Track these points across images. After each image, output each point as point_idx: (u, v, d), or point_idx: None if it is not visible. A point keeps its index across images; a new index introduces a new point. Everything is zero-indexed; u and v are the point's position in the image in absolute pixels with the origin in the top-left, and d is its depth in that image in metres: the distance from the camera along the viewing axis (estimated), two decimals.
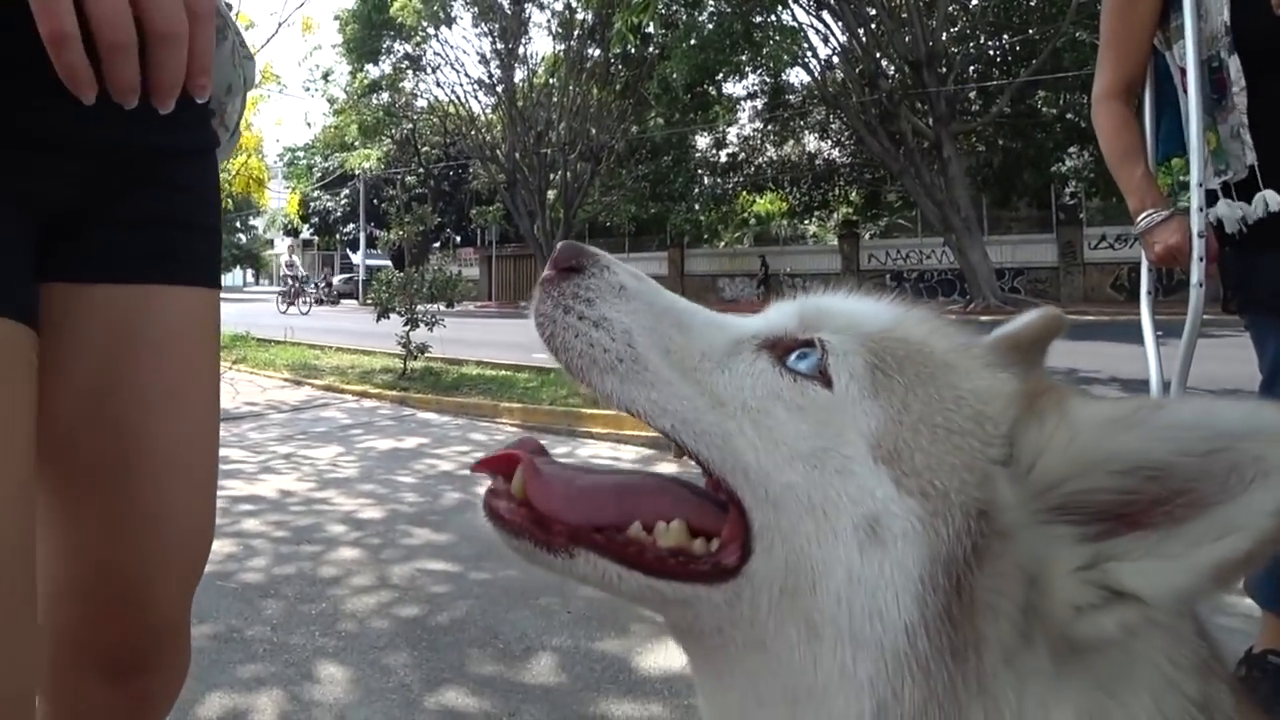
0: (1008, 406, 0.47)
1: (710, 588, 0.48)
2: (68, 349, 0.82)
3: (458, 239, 35.60)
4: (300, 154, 39.63)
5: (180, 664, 0.93)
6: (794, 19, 20.76)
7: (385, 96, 28.64)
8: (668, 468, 0.64)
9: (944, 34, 20.02)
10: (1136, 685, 0.44)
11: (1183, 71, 1.69)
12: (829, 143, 26.78)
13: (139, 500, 0.84)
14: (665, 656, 2.17)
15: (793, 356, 0.51)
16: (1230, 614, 2.10)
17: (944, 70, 19.25)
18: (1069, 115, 21.25)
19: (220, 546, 3.11)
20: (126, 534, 0.84)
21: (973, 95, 22.13)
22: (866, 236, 25.40)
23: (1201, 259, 1.67)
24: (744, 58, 22.11)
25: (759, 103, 25.99)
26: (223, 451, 4.79)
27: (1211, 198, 1.67)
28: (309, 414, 6.52)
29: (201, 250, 0.92)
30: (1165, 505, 0.42)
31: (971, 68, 22.03)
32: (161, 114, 0.71)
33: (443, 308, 8.18)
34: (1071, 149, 22.04)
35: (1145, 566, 0.42)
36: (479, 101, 29.09)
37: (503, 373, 8.09)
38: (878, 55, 20.04)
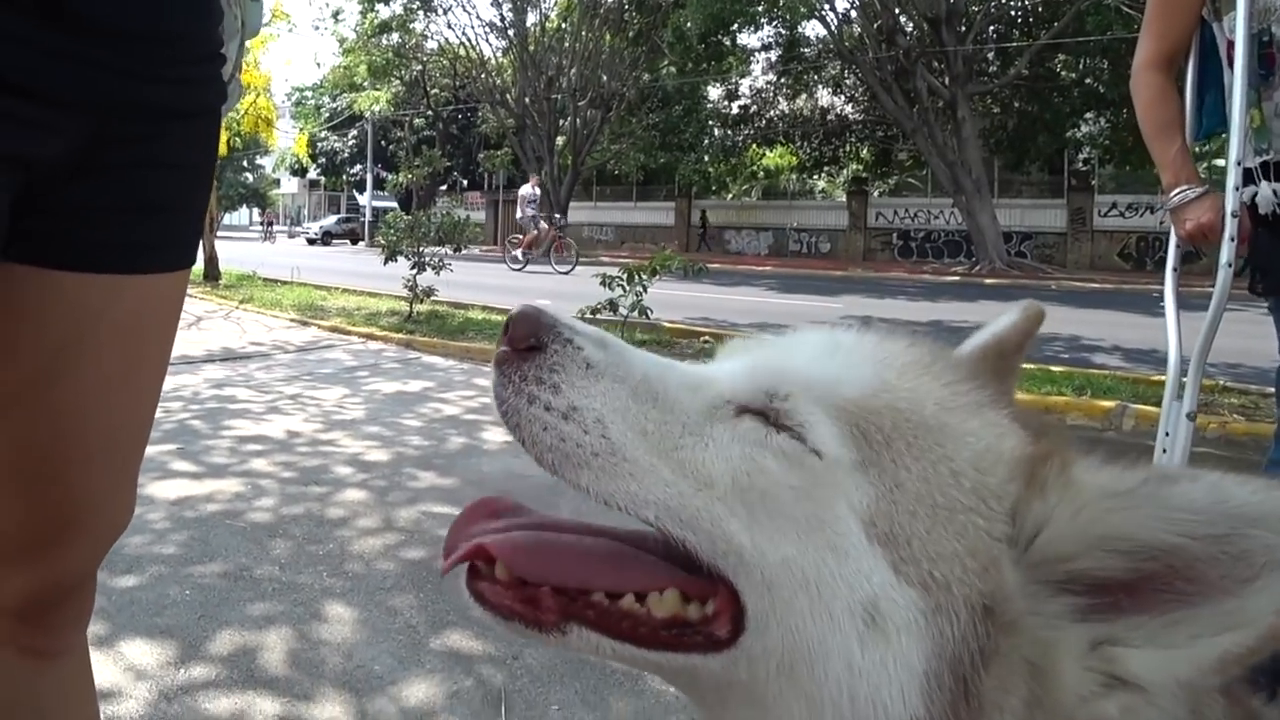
0: (1010, 478, 0.45)
1: (705, 657, 0.47)
2: (23, 332, 0.79)
3: (465, 183, 35.24)
4: (309, 94, 39.04)
5: (85, 610, 0.95)
6: None
7: (395, 37, 28.10)
8: None
9: None
10: None
11: (1230, 44, 1.65)
12: (842, 98, 26.36)
13: (64, 483, 0.84)
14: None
15: (773, 424, 0.48)
16: None
17: (963, 29, 18.83)
18: (1088, 80, 20.86)
19: (229, 486, 3.14)
20: (47, 509, 0.84)
21: (991, 56, 21.69)
22: (875, 194, 25.15)
23: (1233, 239, 1.65)
24: (760, 8, 21.64)
25: (773, 55, 25.51)
26: (229, 391, 4.82)
27: (1249, 177, 1.64)
28: (315, 355, 6.53)
29: (186, 233, 0.88)
30: (1171, 584, 0.41)
31: (991, 28, 21.55)
32: (168, 68, 0.66)
33: (449, 251, 8.14)
34: (1088, 114, 21.69)
35: (1147, 655, 0.41)
36: (490, 44, 28.59)
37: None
38: (896, 11, 19.57)
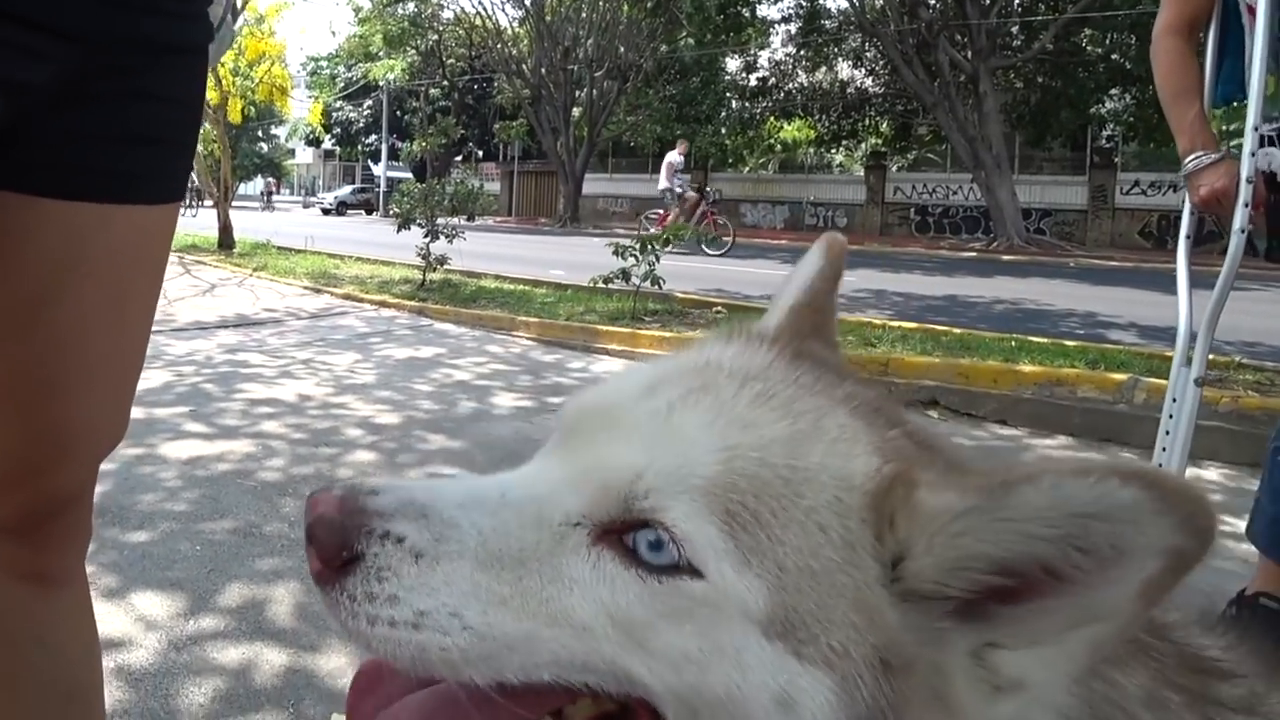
0: (864, 517, 0.44)
1: None
2: (14, 259, 0.80)
3: (480, 154, 35.12)
4: (324, 63, 38.88)
5: (80, 537, 0.96)
6: None
7: (411, 6, 27.91)
8: None
9: None
10: None
11: (1251, 10, 1.62)
12: (862, 71, 25.96)
13: (59, 407, 0.85)
14: None
15: (640, 545, 0.44)
16: (1227, 558, 2.12)
17: (987, 2, 18.48)
18: (1114, 56, 20.45)
19: (239, 446, 3.18)
20: (41, 434, 0.86)
21: (1015, 29, 21.28)
22: (894, 169, 24.87)
23: (1247, 205, 1.62)
24: None
25: (793, 27, 25.14)
26: (242, 355, 4.87)
27: (1264, 145, 1.62)
28: (328, 321, 6.56)
29: (175, 165, 0.89)
30: (1036, 585, 0.42)
31: (1016, 1, 21.14)
32: (158, 1, 0.66)
33: (463, 221, 8.13)
34: (1113, 90, 21.28)
35: (1025, 656, 0.42)
36: (506, 14, 28.37)
37: (521, 287, 8.09)
38: None
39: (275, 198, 37.66)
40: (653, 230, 13.46)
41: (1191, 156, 1.72)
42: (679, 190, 14.50)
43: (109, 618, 1.87)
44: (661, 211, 14.54)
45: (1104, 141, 21.87)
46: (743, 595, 0.43)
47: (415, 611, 0.43)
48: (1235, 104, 1.84)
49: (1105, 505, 0.38)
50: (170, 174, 0.89)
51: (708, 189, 16.01)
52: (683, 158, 15.38)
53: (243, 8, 11.82)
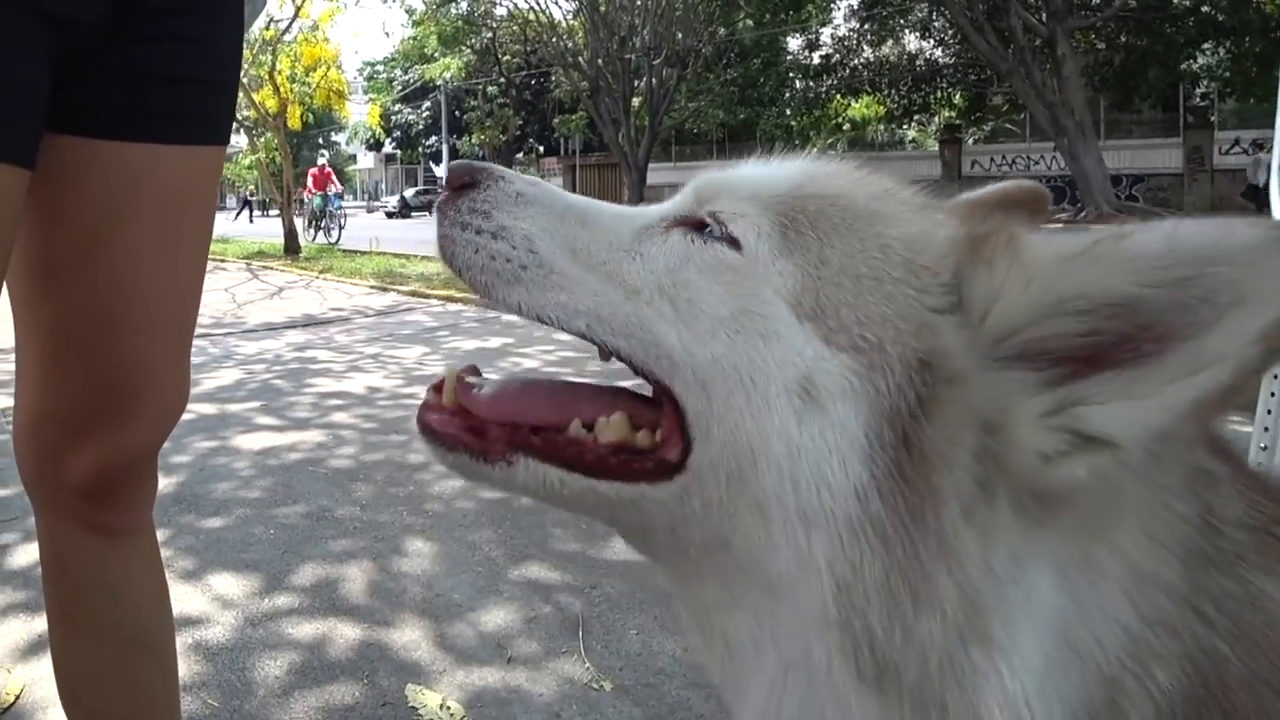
0: (947, 253, 0.44)
1: (655, 486, 0.45)
2: (70, 200, 0.82)
3: (540, 149, 35.38)
4: (380, 67, 39.71)
5: (147, 493, 0.97)
6: None
7: (464, 5, 28.28)
8: None
9: None
10: (1121, 522, 0.40)
11: None
12: (931, 42, 25.12)
13: (122, 348, 0.87)
14: None
15: (701, 231, 0.49)
16: None
17: None
18: (1204, 8, 19.25)
19: (310, 436, 3.20)
20: (106, 379, 0.87)
21: None
22: (970, 141, 24.06)
23: None
24: None
25: (855, 1, 24.51)
26: (310, 353, 4.95)
27: None
28: (395, 318, 6.66)
29: (218, 107, 0.91)
30: (1135, 342, 0.38)
31: None
32: None
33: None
34: (1205, 45, 20.05)
35: (1117, 409, 0.38)
36: (560, 7, 28.55)
37: None
38: None
39: (248, 208, 30.53)
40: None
41: None
42: None
43: (186, 598, 1.88)
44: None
45: (1198, 100, 20.65)
46: (773, 273, 0.45)
47: (499, 225, 0.49)
48: None
49: (1226, 248, 0.36)
50: (215, 115, 0.90)
51: None
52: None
53: (296, 14, 12.12)
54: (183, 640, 1.65)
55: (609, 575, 1.99)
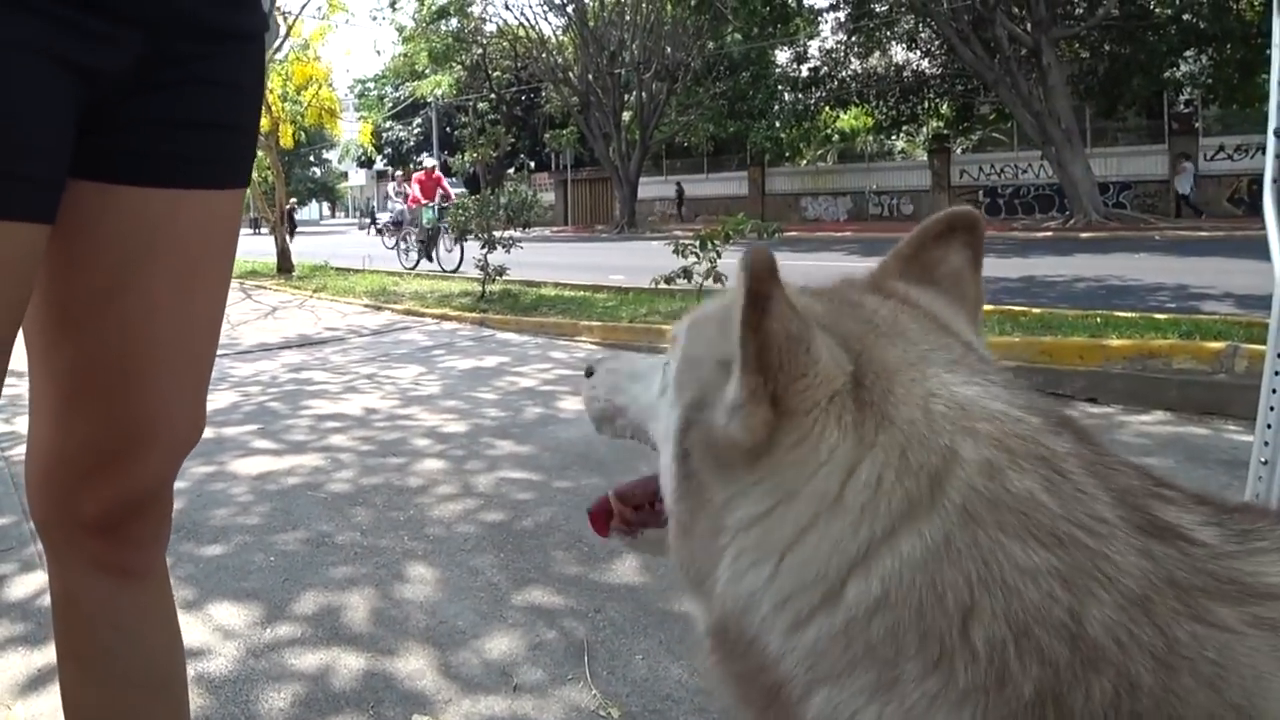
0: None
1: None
2: (87, 246, 0.83)
3: (532, 164, 35.43)
4: (371, 85, 39.75)
5: (161, 531, 0.99)
6: None
7: (454, 22, 28.32)
8: None
9: None
10: (829, 468, 0.48)
11: None
12: (918, 53, 25.31)
13: (135, 394, 0.87)
14: None
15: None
16: None
17: None
18: (1186, 16, 19.45)
19: (308, 460, 3.19)
20: (120, 423, 0.88)
21: None
22: (958, 151, 24.22)
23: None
24: None
25: (842, 13, 24.70)
26: (306, 374, 4.93)
27: None
28: (390, 337, 6.64)
29: (240, 152, 0.92)
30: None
31: None
32: None
33: (519, 232, 8.15)
34: (1188, 53, 20.25)
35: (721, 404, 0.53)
36: (549, 23, 28.56)
37: (581, 293, 8.07)
38: None
39: (328, 221, 33.05)
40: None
41: None
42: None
43: (187, 628, 1.85)
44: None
45: (1182, 107, 20.84)
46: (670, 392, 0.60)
47: (593, 391, 0.76)
48: None
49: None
50: (235, 159, 0.91)
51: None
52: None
53: (288, 33, 12.14)
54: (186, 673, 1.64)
55: (612, 599, 1.98)
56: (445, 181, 12.80)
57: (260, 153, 13.69)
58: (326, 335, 6.77)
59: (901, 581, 0.43)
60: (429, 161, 13.45)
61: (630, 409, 0.71)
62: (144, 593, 0.96)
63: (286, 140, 13.34)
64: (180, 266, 0.87)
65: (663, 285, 6.24)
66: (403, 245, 13.02)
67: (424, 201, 12.24)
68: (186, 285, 0.88)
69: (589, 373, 0.78)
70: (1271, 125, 1.64)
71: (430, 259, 12.03)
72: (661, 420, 0.61)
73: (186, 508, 2.63)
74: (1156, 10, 20.47)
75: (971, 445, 0.45)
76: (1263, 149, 1.66)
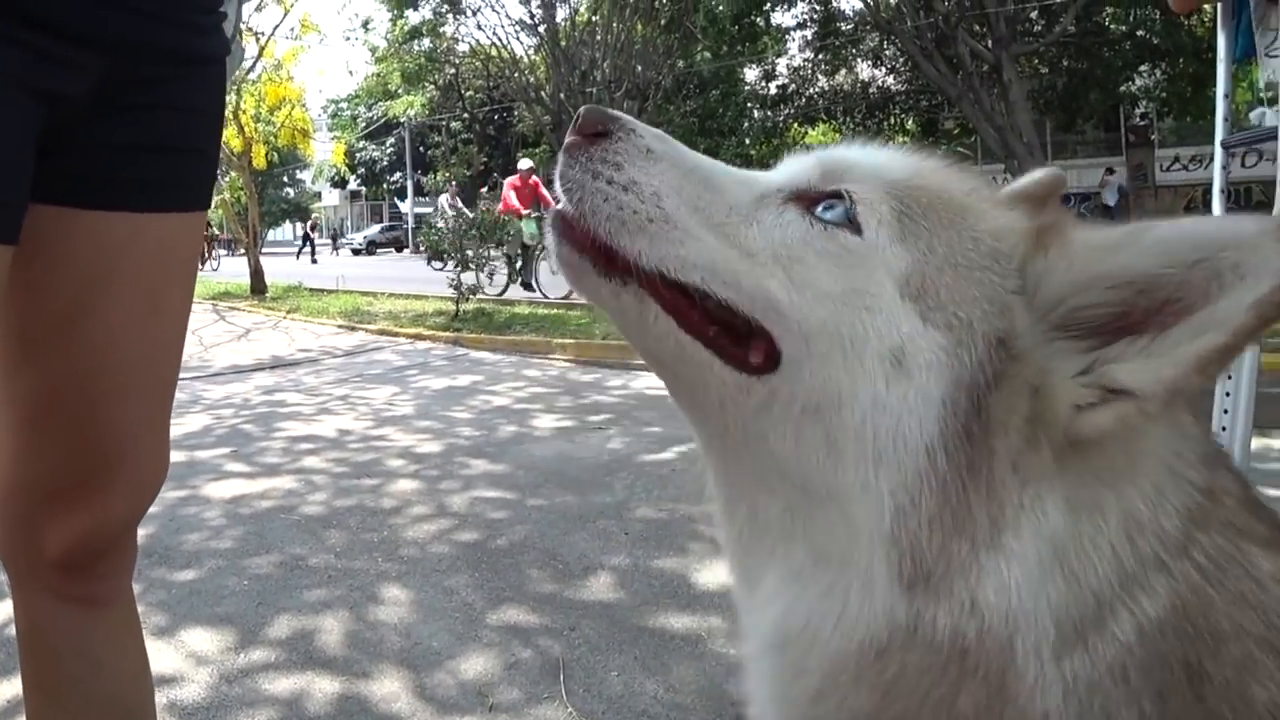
0: (1019, 242, 0.51)
1: (735, 372, 0.50)
2: (49, 269, 0.82)
3: (505, 183, 35.45)
4: (344, 105, 39.61)
5: (127, 561, 0.97)
6: None
7: (426, 42, 28.33)
8: None
9: None
10: (1137, 476, 0.47)
11: None
12: (883, 70, 25.74)
13: (101, 413, 0.86)
14: (722, 572, 2.15)
15: (820, 207, 0.53)
16: None
17: None
18: (1140, 32, 20.01)
19: (281, 483, 3.17)
20: (84, 449, 0.87)
21: (1034, 14, 20.96)
22: None
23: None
24: None
25: (809, 32, 25.07)
26: (279, 396, 4.89)
27: None
28: (363, 357, 6.61)
29: (200, 176, 0.92)
30: (1157, 315, 0.46)
31: None
32: (181, 13, 0.70)
33: (491, 251, 8.15)
34: (1142, 68, 20.82)
35: (1135, 365, 0.46)
36: (521, 43, 28.59)
37: (554, 311, 8.09)
38: None
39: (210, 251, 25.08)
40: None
41: None
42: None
43: (160, 655, 1.85)
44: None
45: (1138, 119, 21.39)
46: (888, 256, 0.50)
47: (630, 179, 0.52)
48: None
49: (1232, 235, 0.44)
50: (197, 182, 0.91)
51: None
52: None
53: (260, 53, 12.09)
54: (158, 701, 1.62)
55: (587, 617, 2.00)
56: (543, 188, 9.49)
57: (233, 173, 13.62)
58: (300, 356, 6.72)
59: (1175, 612, 0.44)
60: (524, 164, 10.38)
61: (722, 259, 0.50)
62: (110, 620, 0.95)
63: (259, 161, 13.23)
64: (143, 289, 0.86)
65: None
66: (507, 260, 9.62)
67: (523, 211, 9.41)
68: (150, 307, 0.87)
69: (598, 131, 0.54)
70: (1218, 137, 1.73)
71: (530, 286, 9.42)
72: (908, 335, 0.48)
73: (158, 532, 2.61)
74: (1111, 27, 21.03)
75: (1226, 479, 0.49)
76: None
